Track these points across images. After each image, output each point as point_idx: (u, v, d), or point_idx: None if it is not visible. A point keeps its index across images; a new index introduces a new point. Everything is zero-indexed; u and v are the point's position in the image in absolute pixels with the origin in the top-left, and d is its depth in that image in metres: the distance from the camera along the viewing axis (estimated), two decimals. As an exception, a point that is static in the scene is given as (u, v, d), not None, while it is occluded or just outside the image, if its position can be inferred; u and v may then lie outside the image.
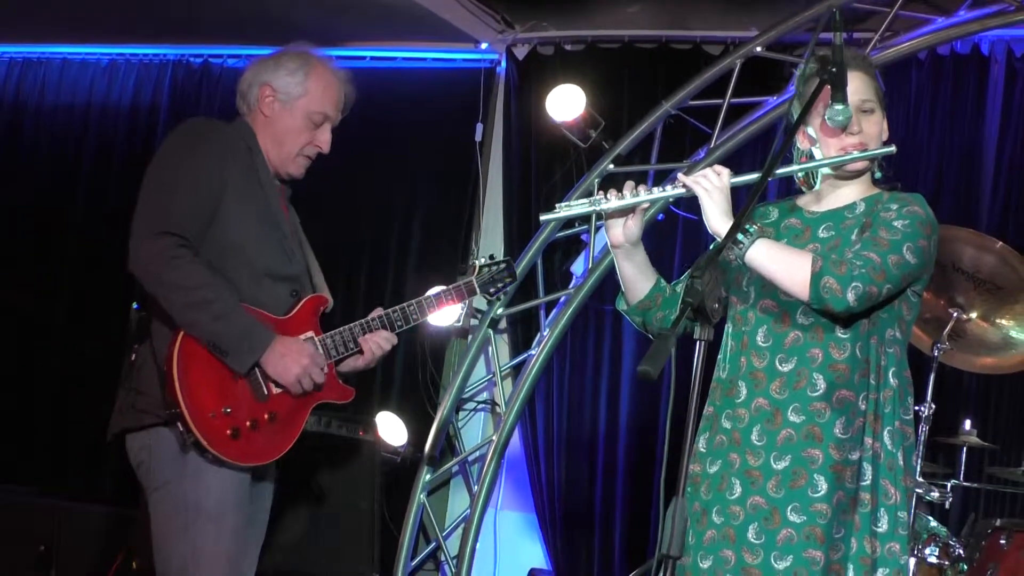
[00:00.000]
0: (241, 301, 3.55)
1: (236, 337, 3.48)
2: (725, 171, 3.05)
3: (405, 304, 3.91)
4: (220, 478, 3.49)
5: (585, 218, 6.22)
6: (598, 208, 3.12)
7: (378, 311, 3.88)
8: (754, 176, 3.02)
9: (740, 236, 2.97)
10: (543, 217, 3.24)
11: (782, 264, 2.99)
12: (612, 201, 3.11)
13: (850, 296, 2.93)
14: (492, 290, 4.12)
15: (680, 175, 3.10)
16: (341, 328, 3.77)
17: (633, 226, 3.16)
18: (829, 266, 2.95)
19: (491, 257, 4.17)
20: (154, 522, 3.56)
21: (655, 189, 3.14)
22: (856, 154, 3.10)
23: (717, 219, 2.99)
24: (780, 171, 3.14)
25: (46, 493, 6.69)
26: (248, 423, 3.52)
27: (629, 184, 3.14)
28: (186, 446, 3.46)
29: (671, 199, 3.20)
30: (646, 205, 3.16)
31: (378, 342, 3.83)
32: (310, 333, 3.70)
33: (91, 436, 7.00)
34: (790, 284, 2.98)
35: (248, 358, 3.50)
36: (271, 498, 3.81)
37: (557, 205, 3.18)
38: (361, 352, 3.82)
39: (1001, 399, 5.76)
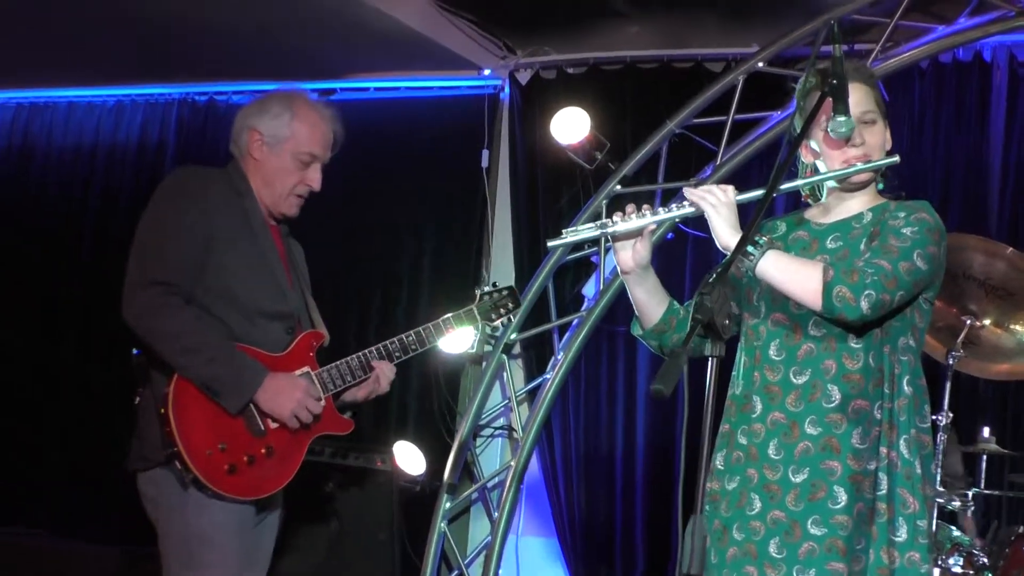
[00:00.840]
0: (237, 341, 3.65)
1: (227, 379, 3.58)
2: (730, 188, 3.04)
3: (403, 335, 3.96)
4: (223, 506, 3.58)
5: (594, 240, 6.23)
6: (605, 231, 3.10)
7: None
8: (759, 192, 3.02)
9: (750, 248, 2.96)
10: (550, 244, 3.24)
11: (793, 275, 2.99)
12: (619, 224, 3.10)
13: (863, 304, 2.92)
14: (494, 316, 4.18)
15: (686, 190, 3.09)
16: (337, 362, 3.85)
17: (642, 250, 3.15)
18: (840, 275, 2.94)
19: (494, 285, 4.25)
20: (163, 554, 3.65)
21: (661, 209, 3.13)
22: (860, 166, 3.10)
23: (726, 233, 2.98)
24: (785, 186, 3.14)
25: (57, 535, 6.71)
26: (245, 458, 3.61)
27: (632, 206, 3.13)
28: (186, 483, 3.55)
29: (678, 219, 3.17)
30: (653, 227, 3.15)
31: (384, 372, 3.91)
32: (306, 368, 3.79)
33: (99, 476, 7.06)
34: (802, 294, 2.98)
35: (240, 398, 3.60)
36: (277, 528, 3.90)
37: (564, 231, 3.16)
38: (361, 383, 3.89)
39: (1019, 405, 5.74)
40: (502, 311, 4.24)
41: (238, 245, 3.71)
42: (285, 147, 3.81)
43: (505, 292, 4.26)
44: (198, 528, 3.56)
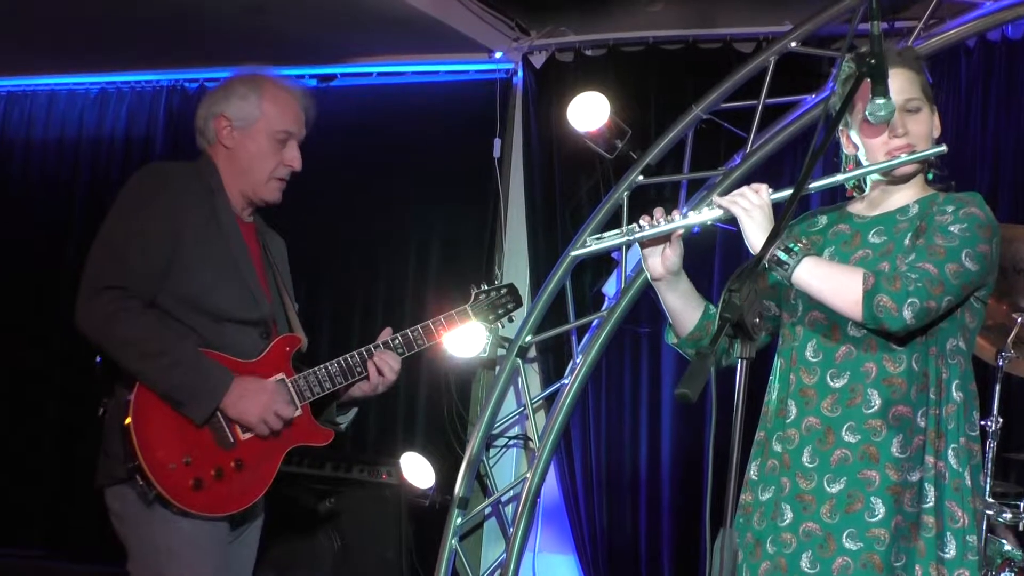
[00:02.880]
0: (206, 347, 3.65)
1: (190, 386, 3.58)
2: (764, 187, 3.04)
3: (386, 340, 3.95)
4: (192, 521, 3.58)
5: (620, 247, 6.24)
6: (632, 238, 3.12)
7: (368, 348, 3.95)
8: (817, 184, 3.04)
9: (784, 256, 2.96)
10: (574, 254, 3.27)
11: (831, 283, 2.98)
12: (646, 229, 3.11)
13: (907, 314, 2.92)
14: (491, 317, 4.17)
15: (715, 197, 3.10)
16: (315, 367, 3.83)
17: (672, 255, 3.16)
18: (882, 282, 2.93)
19: (492, 283, 4.24)
20: (131, 570, 3.66)
21: (691, 213, 3.13)
22: (904, 157, 3.09)
23: (759, 239, 2.98)
24: (822, 182, 3.13)
25: (50, 556, 6.74)
26: (212, 472, 3.61)
27: (660, 210, 3.14)
28: (149, 500, 3.55)
29: (709, 222, 3.17)
30: (682, 231, 3.15)
31: (387, 362, 3.88)
32: (281, 375, 3.78)
33: (92, 495, 7.09)
34: (841, 305, 2.98)
35: (205, 407, 3.59)
36: (256, 542, 3.89)
37: (588, 238, 3.19)
38: (361, 380, 3.88)
39: (1075, 410, 5.71)
40: (500, 311, 4.20)
41: (205, 246, 3.71)
42: (257, 128, 3.82)
43: (504, 290, 4.23)
44: (165, 545, 3.57)
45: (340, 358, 3.86)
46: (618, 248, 3.19)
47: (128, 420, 3.54)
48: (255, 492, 3.72)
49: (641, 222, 3.12)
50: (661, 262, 3.17)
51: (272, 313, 3.85)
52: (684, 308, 3.27)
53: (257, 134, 3.82)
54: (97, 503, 7.02)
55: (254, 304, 3.78)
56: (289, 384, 3.77)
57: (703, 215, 3.11)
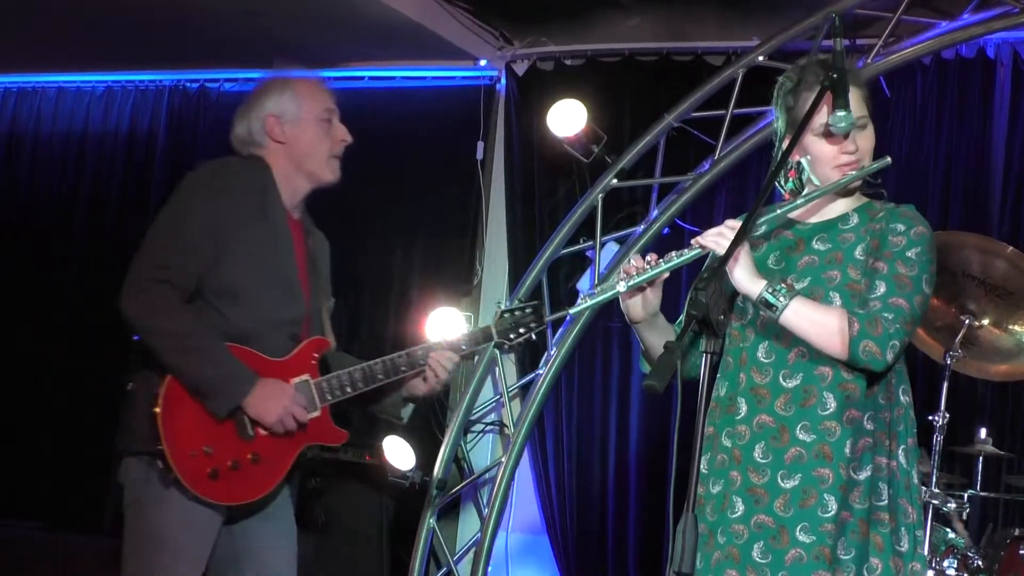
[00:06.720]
0: (238, 340, 3.63)
1: (216, 382, 3.57)
2: (736, 223, 2.98)
3: (410, 350, 3.90)
4: (184, 510, 3.57)
5: (591, 236, 6.23)
6: (628, 286, 3.04)
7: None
8: (765, 218, 3.02)
9: (772, 299, 2.93)
10: (572, 312, 3.22)
11: (817, 328, 2.95)
12: (635, 276, 3.07)
13: (889, 356, 2.93)
14: (512, 336, 4.03)
15: (695, 239, 3.04)
16: (339, 372, 3.79)
17: (653, 298, 3.12)
18: (866, 328, 2.92)
19: (519, 301, 4.13)
20: (125, 538, 3.66)
21: (674, 254, 3.08)
22: (854, 174, 3.07)
23: (746, 279, 2.95)
24: (787, 207, 3.09)
25: (49, 528, 6.71)
26: (229, 463, 3.60)
27: (639, 256, 3.09)
28: (168, 482, 3.55)
29: (691, 260, 3.11)
30: (666, 275, 3.09)
31: (440, 362, 3.86)
32: (306, 376, 3.75)
33: (92, 469, 7.06)
34: (826, 346, 2.96)
35: (227, 403, 3.58)
36: (284, 526, 3.85)
37: (582, 294, 3.14)
38: (417, 374, 3.87)
39: (1017, 406, 5.73)
40: (522, 330, 4.07)
41: (254, 245, 3.69)
42: (305, 116, 3.83)
43: (529, 310, 4.10)
44: (155, 525, 3.57)
45: (362, 365, 3.81)
46: (615, 299, 3.14)
47: (158, 406, 3.53)
48: (266, 486, 3.69)
49: (630, 270, 3.07)
50: (643, 305, 3.13)
51: (306, 313, 3.82)
52: (659, 343, 3.20)
53: (306, 122, 3.82)
54: (96, 475, 7.01)
55: (291, 303, 3.76)
56: (312, 385, 3.75)
57: (684, 256, 3.05)
